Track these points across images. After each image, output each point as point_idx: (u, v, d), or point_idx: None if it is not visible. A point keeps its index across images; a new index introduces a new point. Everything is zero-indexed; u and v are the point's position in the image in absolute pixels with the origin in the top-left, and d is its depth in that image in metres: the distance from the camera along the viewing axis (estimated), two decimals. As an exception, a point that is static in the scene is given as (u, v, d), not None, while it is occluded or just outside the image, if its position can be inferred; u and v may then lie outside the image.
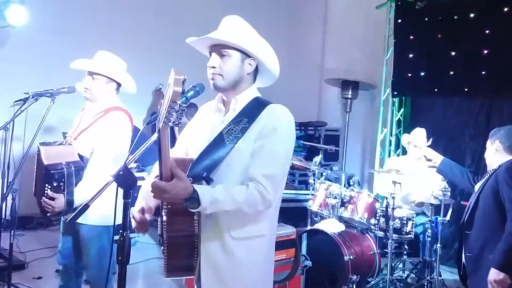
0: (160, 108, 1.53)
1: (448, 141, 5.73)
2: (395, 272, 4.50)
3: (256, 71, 1.95)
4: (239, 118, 1.86)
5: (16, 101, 3.29)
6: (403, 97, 6.66)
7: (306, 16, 8.44)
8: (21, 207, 4.27)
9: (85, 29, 6.22)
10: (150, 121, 2.16)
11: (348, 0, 7.65)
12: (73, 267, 2.90)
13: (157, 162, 1.69)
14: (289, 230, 3.71)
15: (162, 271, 1.87)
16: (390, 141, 6.70)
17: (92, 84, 2.77)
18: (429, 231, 4.30)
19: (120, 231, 1.64)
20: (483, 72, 5.38)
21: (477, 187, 3.06)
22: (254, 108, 1.88)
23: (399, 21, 6.35)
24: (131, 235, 1.77)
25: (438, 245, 4.08)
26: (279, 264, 3.53)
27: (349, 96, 6.86)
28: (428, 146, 4.85)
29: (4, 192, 3.33)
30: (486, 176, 2.99)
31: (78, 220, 2.34)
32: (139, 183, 1.79)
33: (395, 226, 4.16)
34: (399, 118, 6.71)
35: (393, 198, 4.08)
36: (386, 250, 4.12)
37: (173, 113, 1.47)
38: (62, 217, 2.87)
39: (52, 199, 2.53)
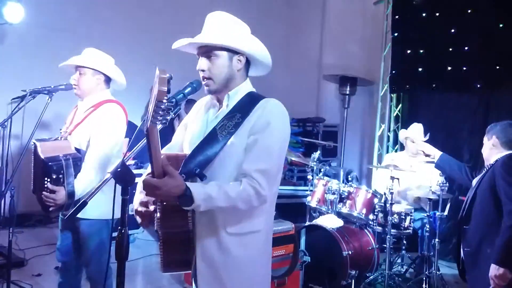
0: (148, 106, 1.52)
1: (446, 136, 5.73)
2: (393, 267, 4.52)
3: (248, 64, 1.94)
4: (232, 114, 1.85)
5: (13, 99, 3.28)
6: (401, 93, 6.67)
7: (304, 12, 8.42)
8: (20, 205, 4.28)
9: (81, 26, 6.21)
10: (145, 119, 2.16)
11: (346, -4, 7.65)
12: (72, 263, 2.89)
13: None
14: (287, 226, 3.72)
15: (159, 266, 1.88)
16: (388, 136, 6.71)
17: (79, 78, 2.80)
18: (427, 226, 4.31)
19: (119, 227, 1.64)
20: (481, 68, 5.39)
21: (474, 182, 3.06)
22: (248, 103, 1.87)
23: (397, 17, 6.36)
24: (130, 231, 1.77)
25: (436, 240, 4.11)
26: (278, 260, 3.54)
27: (347, 92, 6.86)
28: (426, 141, 4.86)
29: (3, 189, 3.33)
30: (484, 171, 2.99)
31: (78, 215, 2.34)
32: (137, 179, 1.80)
33: (393, 221, 4.18)
34: (397, 113, 6.72)
35: (391, 193, 4.09)
36: (385, 245, 4.14)
37: (159, 112, 1.45)
38: (60, 214, 2.87)
39: (53, 192, 2.53)
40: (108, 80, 2.90)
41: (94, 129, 2.71)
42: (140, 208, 1.86)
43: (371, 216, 4.32)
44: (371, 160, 6.81)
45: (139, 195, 1.90)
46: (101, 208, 2.56)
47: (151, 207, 1.84)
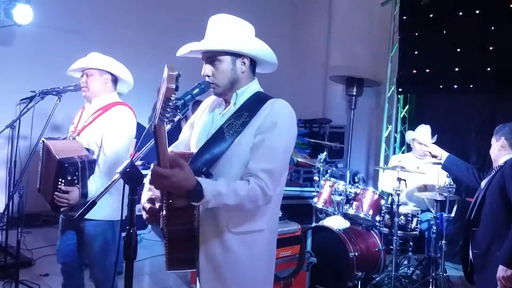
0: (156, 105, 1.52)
1: (453, 137, 5.71)
2: (400, 268, 4.51)
3: (253, 64, 1.94)
4: (239, 112, 1.86)
5: (22, 99, 3.31)
6: (408, 94, 6.64)
7: (311, 13, 8.42)
8: (28, 205, 4.30)
9: (90, 27, 6.25)
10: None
11: (353, -3, 7.64)
12: (74, 264, 2.89)
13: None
14: (294, 227, 3.72)
15: (165, 264, 1.89)
16: (395, 138, 6.69)
17: (87, 80, 2.82)
18: (434, 227, 4.30)
19: (127, 227, 1.64)
20: (488, 69, 5.37)
21: (483, 184, 3.04)
22: (255, 103, 1.87)
23: (404, 17, 6.33)
24: (138, 232, 1.78)
25: (443, 241, 4.08)
26: (284, 261, 3.55)
27: (354, 93, 6.85)
28: (433, 143, 4.85)
29: (12, 190, 3.35)
30: (492, 173, 2.97)
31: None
32: (144, 180, 1.80)
33: (400, 222, 4.16)
34: (404, 115, 6.70)
35: (398, 194, 4.08)
36: (391, 247, 4.13)
37: (168, 109, 1.45)
38: (62, 215, 2.87)
39: (66, 192, 2.54)
40: (115, 81, 2.92)
41: (106, 132, 2.72)
42: (147, 204, 1.87)
43: (377, 218, 4.31)
44: (378, 161, 6.79)
45: (147, 192, 1.92)
46: (106, 209, 2.58)
47: (157, 205, 1.85)
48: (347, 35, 7.51)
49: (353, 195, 4.37)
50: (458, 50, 5.65)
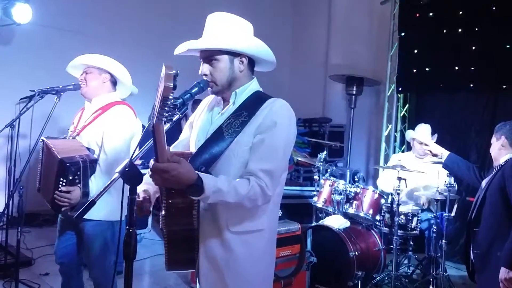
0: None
1: (453, 136, 5.71)
2: (400, 268, 4.51)
3: (252, 63, 1.94)
4: (239, 112, 1.85)
5: (22, 99, 3.30)
6: (408, 93, 6.64)
7: (310, 12, 8.42)
8: (28, 204, 4.30)
9: (89, 26, 6.24)
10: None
11: (353, -4, 7.63)
12: (72, 264, 2.88)
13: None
14: (294, 226, 3.72)
15: (164, 264, 1.89)
16: (395, 137, 6.69)
17: (86, 77, 2.83)
18: (434, 227, 4.29)
19: (127, 227, 1.64)
20: (489, 68, 5.36)
21: (483, 183, 3.01)
22: (254, 102, 1.86)
23: (404, 16, 6.32)
24: (137, 231, 1.77)
25: (444, 241, 4.08)
26: (284, 260, 3.54)
27: (354, 92, 6.84)
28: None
29: (11, 189, 3.34)
30: (493, 173, 2.94)
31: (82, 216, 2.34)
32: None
33: (400, 222, 4.16)
34: (404, 114, 6.69)
35: (398, 194, 4.08)
36: (391, 246, 4.13)
37: (166, 108, 1.44)
38: (60, 215, 2.86)
39: (67, 192, 2.53)
40: (114, 82, 2.92)
41: (106, 131, 2.71)
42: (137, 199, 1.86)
43: (377, 217, 4.31)
44: (378, 160, 6.78)
45: (142, 185, 1.90)
46: (105, 209, 2.58)
47: (141, 196, 1.86)
48: (346, 34, 7.50)
49: (353, 194, 4.37)
50: (458, 49, 5.64)
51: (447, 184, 4.01)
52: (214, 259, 1.83)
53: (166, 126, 1.53)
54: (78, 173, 2.54)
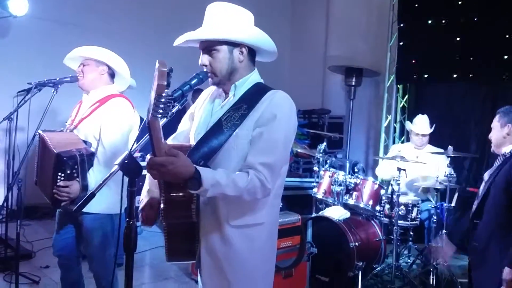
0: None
1: (453, 127, 5.71)
2: (400, 258, 4.51)
3: (252, 53, 1.91)
4: (238, 105, 1.83)
5: (19, 92, 3.28)
6: (408, 84, 6.62)
7: (309, 3, 8.36)
8: (27, 197, 4.29)
9: (86, 19, 6.20)
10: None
11: (352, -14, 7.58)
12: (70, 257, 2.87)
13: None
14: (294, 218, 3.71)
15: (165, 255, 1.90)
16: (395, 128, 6.68)
17: (83, 69, 2.81)
18: (435, 217, 4.30)
19: (126, 219, 1.63)
20: (489, 58, 5.34)
21: (486, 175, 2.87)
22: (254, 94, 1.84)
23: (403, 6, 6.29)
24: (138, 224, 1.77)
25: (444, 231, 4.08)
26: (284, 251, 3.54)
27: (353, 84, 6.81)
28: (431, 133, 4.84)
29: (10, 182, 3.33)
30: (497, 164, 2.80)
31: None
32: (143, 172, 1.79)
33: (400, 212, 4.16)
34: (403, 104, 6.68)
35: (398, 184, 4.07)
36: (392, 237, 4.13)
37: (160, 105, 1.44)
38: (59, 209, 2.85)
39: (66, 187, 2.50)
40: (112, 74, 2.90)
41: (104, 124, 2.69)
42: (143, 213, 1.92)
43: (377, 208, 4.31)
44: (377, 151, 6.79)
45: (146, 197, 1.94)
46: (105, 202, 2.56)
47: (153, 212, 1.89)
48: (346, 25, 7.46)
49: (353, 185, 4.37)
50: (458, 39, 5.62)
51: (447, 174, 4.00)
52: (214, 254, 1.83)
53: (162, 121, 1.52)
54: (76, 166, 2.52)
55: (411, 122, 5.00)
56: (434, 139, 4.95)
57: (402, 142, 6.39)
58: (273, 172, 1.75)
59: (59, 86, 2.95)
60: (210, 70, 1.84)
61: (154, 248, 4.87)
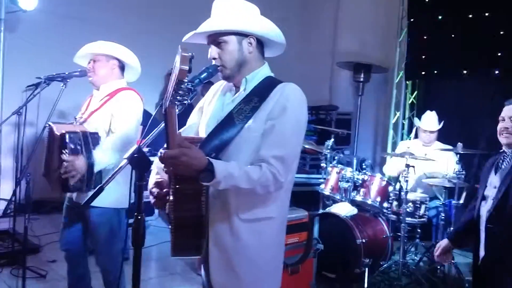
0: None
1: (462, 123, 5.66)
2: (407, 255, 4.49)
3: (261, 46, 1.90)
4: (249, 97, 1.82)
5: (28, 86, 3.29)
6: (417, 80, 6.57)
7: (318, -1, 8.32)
8: (35, 191, 4.31)
9: (95, 13, 6.19)
10: (161, 104, 2.15)
11: (361, -18, 7.53)
12: (77, 251, 2.88)
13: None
14: (301, 214, 3.70)
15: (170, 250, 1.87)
16: (403, 124, 6.64)
17: (94, 65, 2.81)
18: (442, 214, 4.27)
19: (135, 213, 1.63)
20: (499, 54, 5.28)
21: (496, 178, 2.54)
22: (265, 87, 1.83)
23: (413, 2, 6.24)
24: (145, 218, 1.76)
25: (451, 228, 4.06)
26: (291, 247, 3.53)
27: (361, 80, 6.77)
28: (440, 129, 4.81)
29: (18, 176, 3.35)
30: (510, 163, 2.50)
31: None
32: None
33: (408, 209, 4.14)
34: (412, 101, 6.64)
35: (406, 181, 4.05)
36: (399, 234, 4.11)
37: (180, 92, 1.42)
38: (66, 202, 2.86)
39: (71, 162, 2.48)
40: (122, 67, 2.91)
41: (115, 113, 2.71)
42: (154, 189, 1.85)
43: (385, 204, 4.29)
44: (385, 148, 6.76)
45: (155, 176, 1.89)
46: (112, 196, 2.56)
47: (165, 190, 1.83)
48: (355, 20, 7.41)
49: (360, 181, 4.35)
50: (468, 34, 5.56)
51: (456, 172, 3.98)
52: (223, 247, 1.81)
53: (177, 110, 1.51)
54: (79, 141, 2.52)
55: (420, 119, 4.97)
56: (443, 136, 4.92)
57: (410, 139, 6.35)
58: (286, 164, 1.74)
59: (68, 80, 2.97)
60: (219, 63, 1.82)
61: (161, 243, 4.88)
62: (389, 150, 6.51)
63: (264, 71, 1.90)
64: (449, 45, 5.77)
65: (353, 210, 4.13)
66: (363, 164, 4.72)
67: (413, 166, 4.09)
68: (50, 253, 4.35)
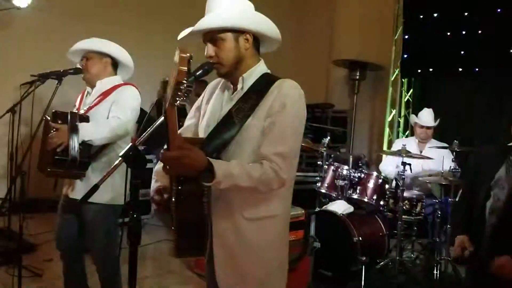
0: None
1: (458, 121, 5.67)
2: (404, 253, 4.49)
3: (257, 42, 1.89)
4: (248, 96, 1.81)
5: (22, 84, 3.27)
6: (413, 78, 6.58)
7: (313, -4, 8.32)
8: (30, 190, 4.28)
9: (90, 10, 6.17)
10: (157, 102, 2.14)
11: (356, -21, 7.53)
12: (73, 249, 2.87)
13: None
14: (298, 212, 3.70)
15: (173, 251, 1.87)
16: (399, 122, 6.65)
17: (87, 63, 2.81)
18: (439, 212, 4.27)
19: (131, 212, 1.62)
20: (494, 51, 5.30)
21: (505, 181, 2.33)
22: (263, 84, 1.83)
23: (408, 0, 6.24)
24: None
25: (448, 226, 4.06)
26: (289, 246, 3.53)
27: (357, 78, 6.79)
28: (436, 126, 4.82)
29: (13, 174, 3.33)
30: None
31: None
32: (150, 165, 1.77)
33: (404, 207, 4.14)
34: (408, 99, 6.65)
35: (403, 179, 4.05)
36: (395, 231, 4.11)
37: (179, 93, 1.42)
38: (62, 200, 2.85)
39: (56, 129, 2.54)
40: (115, 65, 2.90)
41: (116, 101, 2.72)
42: (156, 197, 1.85)
43: (381, 202, 4.29)
44: (381, 146, 6.76)
45: (156, 183, 1.89)
46: (108, 193, 2.56)
47: (166, 195, 1.82)
48: (350, 18, 7.42)
49: (357, 179, 4.35)
50: (464, 33, 5.58)
51: (452, 169, 3.98)
52: (228, 246, 1.81)
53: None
54: (67, 116, 2.58)
55: (415, 116, 4.98)
56: (439, 134, 4.93)
57: (406, 136, 6.36)
58: (287, 161, 1.74)
59: (62, 78, 2.94)
60: (216, 60, 1.81)
61: (157, 242, 4.86)
62: (385, 148, 6.51)
63: (260, 68, 1.89)
64: (444, 44, 5.78)
65: (350, 208, 4.12)
66: (359, 162, 4.71)
67: (410, 164, 4.10)
68: (46, 252, 4.32)
